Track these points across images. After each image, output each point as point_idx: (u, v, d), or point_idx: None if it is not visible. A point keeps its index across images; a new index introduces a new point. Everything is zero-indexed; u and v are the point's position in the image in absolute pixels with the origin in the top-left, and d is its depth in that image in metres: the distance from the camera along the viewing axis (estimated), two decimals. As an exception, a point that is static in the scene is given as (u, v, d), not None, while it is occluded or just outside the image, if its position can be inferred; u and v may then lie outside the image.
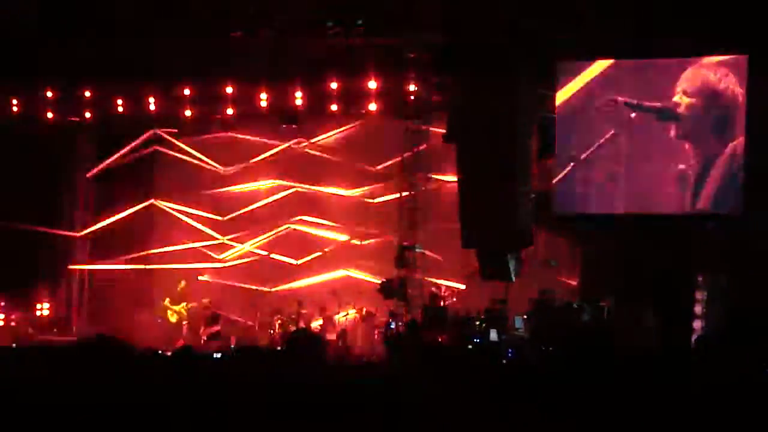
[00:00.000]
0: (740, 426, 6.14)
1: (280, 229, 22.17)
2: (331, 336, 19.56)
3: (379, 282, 19.84)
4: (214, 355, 12.13)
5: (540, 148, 18.87)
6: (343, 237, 21.71)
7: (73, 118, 22.38)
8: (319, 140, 21.94)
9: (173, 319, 20.94)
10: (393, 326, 18.81)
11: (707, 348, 8.51)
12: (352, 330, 20.06)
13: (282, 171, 22.20)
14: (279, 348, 16.89)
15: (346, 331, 20.02)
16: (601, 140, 18.26)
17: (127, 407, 5.98)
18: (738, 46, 17.23)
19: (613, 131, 18.19)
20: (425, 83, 19.49)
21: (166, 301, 21.03)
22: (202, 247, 22.55)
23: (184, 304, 21.01)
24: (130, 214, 22.57)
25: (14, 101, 21.91)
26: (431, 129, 19.85)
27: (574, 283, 19.46)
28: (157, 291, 21.94)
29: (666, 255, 16.97)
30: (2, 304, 21.63)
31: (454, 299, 19.62)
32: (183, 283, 21.35)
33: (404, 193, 19.86)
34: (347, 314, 20.34)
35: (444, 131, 19.45)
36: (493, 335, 17.59)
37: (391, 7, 19.03)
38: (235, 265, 22.41)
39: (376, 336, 19.81)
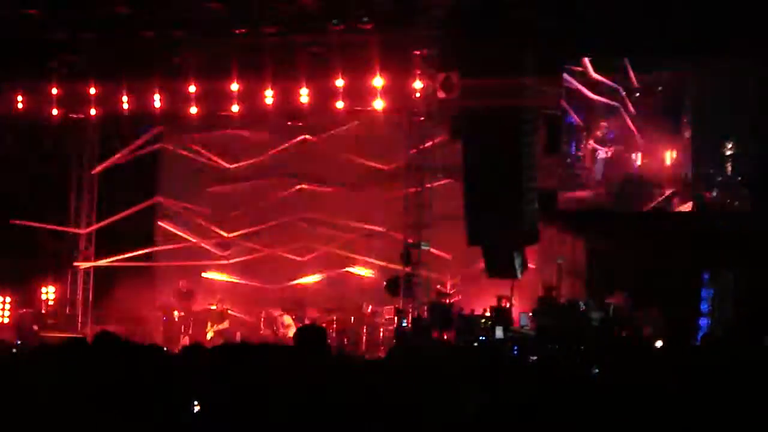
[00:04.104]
0: (747, 422, 6.10)
1: (286, 227, 22.13)
2: (336, 333, 19.53)
3: (385, 280, 19.82)
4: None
5: (545, 145, 18.84)
6: (348, 234, 21.66)
7: (78, 115, 22.37)
8: (324, 137, 21.89)
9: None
10: (404, 324, 18.77)
11: (714, 345, 8.47)
12: (356, 327, 20.02)
13: (287, 168, 22.17)
14: (284, 345, 16.81)
15: (351, 329, 19.98)
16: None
17: (132, 405, 5.95)
18: (748, 46, 17.15)
19: (617, 125, 18.15)
20: (431, 80, 19.41)
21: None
22: (207, 244, 22.54)
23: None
24: (135, 211, 22.55)
25: (19, 98, 21.89)
26: (437, 126, 19.81)
27: (580, 280, 19.40)
28: (162, 288, 21.93)
29: (673, 252, 16.90)
30: (7, 300, 21.64)
31: (460, 297, 19.59)
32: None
33: (410, 190, 19.81)
34: (352, 311, 20.28)
35: (450, 128, 19.43)
36: (499, 333, 17.56)
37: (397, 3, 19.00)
38: (240, 262, 22.39)
39: (380, 334, 19.79)
